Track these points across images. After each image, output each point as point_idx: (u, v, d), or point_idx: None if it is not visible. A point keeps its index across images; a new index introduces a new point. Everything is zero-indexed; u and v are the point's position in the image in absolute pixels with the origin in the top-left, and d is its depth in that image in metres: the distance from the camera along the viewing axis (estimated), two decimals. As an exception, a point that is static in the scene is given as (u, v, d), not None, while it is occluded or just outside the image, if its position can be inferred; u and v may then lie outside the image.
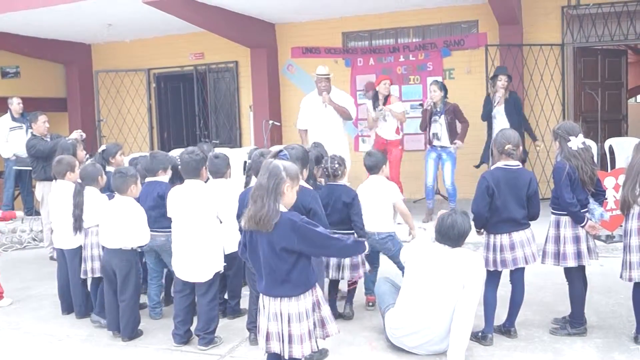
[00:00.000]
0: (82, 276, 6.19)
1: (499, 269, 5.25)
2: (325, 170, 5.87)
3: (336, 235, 3.97)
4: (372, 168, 6.16)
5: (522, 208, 5.20)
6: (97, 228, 5.93)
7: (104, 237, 5.73)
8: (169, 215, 5.51)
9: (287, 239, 3.69)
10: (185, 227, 5.32)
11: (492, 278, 5.28)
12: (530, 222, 5.31)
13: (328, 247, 3.87)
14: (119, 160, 7.03)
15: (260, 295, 3.95)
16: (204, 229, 5.28)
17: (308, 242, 3.72)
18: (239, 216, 5.28)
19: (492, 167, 5.40)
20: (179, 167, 5.80)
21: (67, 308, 6.46)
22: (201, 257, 5.27)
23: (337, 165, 5.87)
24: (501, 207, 5.15)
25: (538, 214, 5.33)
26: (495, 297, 5.26)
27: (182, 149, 6.28)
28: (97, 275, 6.05)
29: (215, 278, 5.36)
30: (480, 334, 5.20)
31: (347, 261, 5.79)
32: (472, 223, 5.23)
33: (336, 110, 8.67)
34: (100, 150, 7.17)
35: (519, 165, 5.26)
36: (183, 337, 5.43)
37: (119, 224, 5.62)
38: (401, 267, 6.02)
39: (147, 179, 6.23)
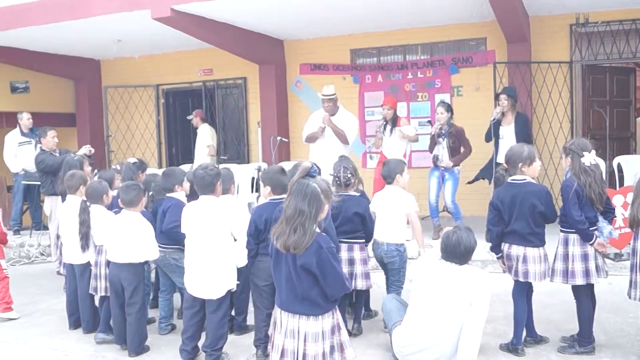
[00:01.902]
0: (91, 292, 6.19)
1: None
2: (337, 179, 5.91)
3: (346, 282, 3.90)
4: (386, 177, 6.17)
5: (526, 222, 5.24)
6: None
7: (112, 252, 5.72)
8: (182, 230, 5.45)
9: (308, 259, 3.70)
10: (199, 243, 5.26)
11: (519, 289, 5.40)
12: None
13: (332, 285, 3.80)
14: (142, 178, 7.03)
15: (278, 310, 3.95)
16: (218, 246, 5.22)
17: (322, 270, 3.72)
18: (250, 233, 5.31)
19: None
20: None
21: (75, 323, 6.46)
22: (214, 274, 5.21)
23: (349, 175, 5.91)
24: (508, 220, 5.29)
25: (553, 220, 5.39)
26: (523, 309, 5.36)
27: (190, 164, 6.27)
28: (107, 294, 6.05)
29: (227, 295, 5.30)
30: (510, 345, 5.34)
31: (358, 270, 5.83)
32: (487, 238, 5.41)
33: (333, 131, 8.67)
34: (132, 161, 7.14)
35: (524, 180, 5.30)
36: (190, 354, 5.38)
37: (128, 238, 5.63)
38: (396, 285, 6.03)
39: (167, 195, 6.22)
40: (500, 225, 5.33)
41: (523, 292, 5.36)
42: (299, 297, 3.78)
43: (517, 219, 5.24)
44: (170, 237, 5.86)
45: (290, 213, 3.73)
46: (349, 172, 5.94)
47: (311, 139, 8.94)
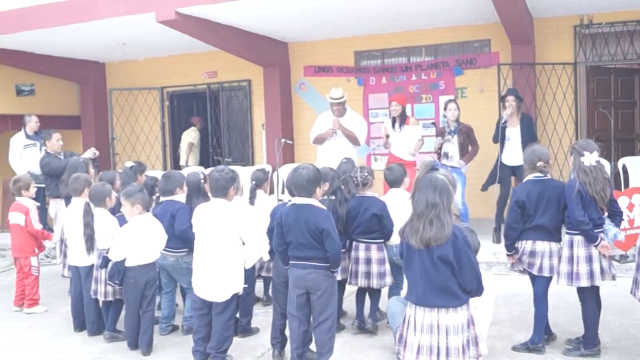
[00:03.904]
0: (92, 296, 6.20)
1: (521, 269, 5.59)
2: (354, 179, 5.97)
3: (480, 274, 3.89)
4: (394, 182, 6.24)
5: (552, 216, 5.33)
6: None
7: (134, 256, 5.74)
8: (193, 231, 5.48)
9: (445, 249, 3.71)
10: (208, 245, 5.28)
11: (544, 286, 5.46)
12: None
13: (467, 275, 3.78)
14: (141, 180, 7.05)
15: (412, 307, 3.91)
16: (227, 249, 5.23)
17: (458, 260, 3.73)
18: (270, 230, 5.32)
19: (523, 180, 5.58)
20: (201, 184, 6.07)
21: (80, 325, 6.47)
22: (221, 277, 5.22)
23: (366, 174, 5.98)
24: (533, 215, 5.35)
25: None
26: (546, 307, 5.44)
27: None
28: (110, 299, 6.09)
29: (233, 298, 5.31)
30: (531, 344, 5.40)
31: (374, 270, 5.86)
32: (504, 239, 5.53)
33: (344, 135, 8.69)
34: (129, 165, 7.19)
35: (547, 176, 5.44)
36: (204, 354, 5.36)
37: (149, 240, 5.75)
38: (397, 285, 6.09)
39: (163, 199, 6.25)
40: (521, 223, 5.41)
41: (547, 289, 5.42)
42: (436, 289, 3.77)
43: (544, 213, 5.32)
44: (185, 239, 5.90)
45: (422, 208, 3.76)
46: (365, 171, 6.03)
47: (320, 140, 8.95)
